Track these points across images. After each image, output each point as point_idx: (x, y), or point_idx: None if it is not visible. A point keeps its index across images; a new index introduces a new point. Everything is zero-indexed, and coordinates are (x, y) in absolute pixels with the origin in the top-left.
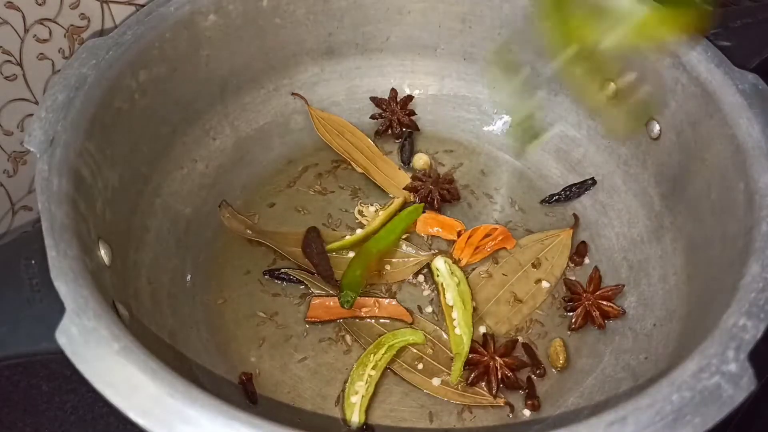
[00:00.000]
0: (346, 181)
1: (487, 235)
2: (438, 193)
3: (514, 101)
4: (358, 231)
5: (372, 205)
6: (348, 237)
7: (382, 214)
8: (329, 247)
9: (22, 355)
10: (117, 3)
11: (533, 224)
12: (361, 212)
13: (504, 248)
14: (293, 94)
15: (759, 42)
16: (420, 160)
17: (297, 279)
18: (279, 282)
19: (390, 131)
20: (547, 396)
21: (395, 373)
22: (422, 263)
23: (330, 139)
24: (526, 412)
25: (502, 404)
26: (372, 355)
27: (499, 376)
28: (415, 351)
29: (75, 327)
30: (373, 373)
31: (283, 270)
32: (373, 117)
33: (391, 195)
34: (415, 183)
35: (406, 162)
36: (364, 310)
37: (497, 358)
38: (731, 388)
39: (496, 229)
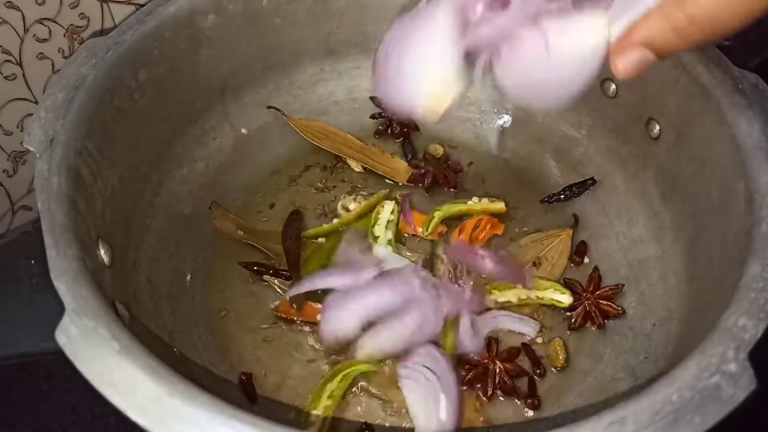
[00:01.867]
0: (347, 177)
1: (475, 227)
2: (434, 174)
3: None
4: (335, 221)
5: (355, 199)
6: (324, 225)
7: (360, 206)
8: (306, 233)
9: (22, 355)
10: (117, 2)
11: (533, 224)
12: (345, 206)
13: (495, 234)
14: (269, 107)
15: (759, 42)
16: (434, 149)
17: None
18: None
19: (390, 131)
20: (547, 396)
21: (376, 396)
22: None
23: (320, 142)
24: (528, 412)
25: (480, 424)
26: (327, 383)
27: (497, 381)
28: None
29: (75, 327)
30: (329, 403)
31: (257, 268)
32: (373, 117)
33: (397, 181)
34: (416, 169)
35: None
36: None
37: (498, 362)
38: (731, 388)
39: (482, 219)
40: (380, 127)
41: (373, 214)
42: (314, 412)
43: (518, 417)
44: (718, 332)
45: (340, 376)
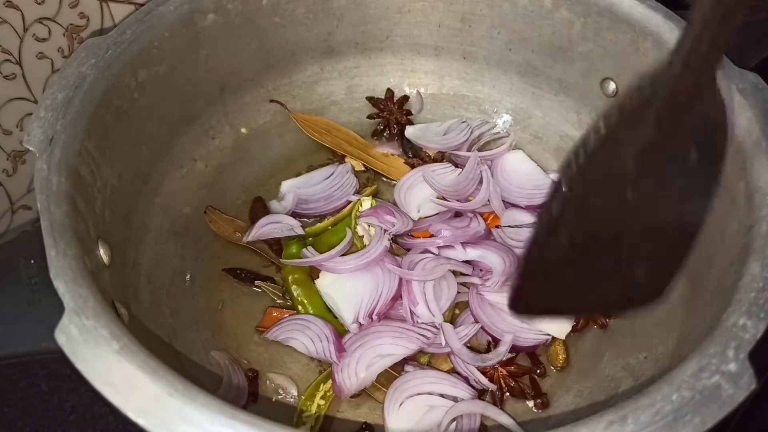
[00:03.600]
0: None
1: None
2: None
3: None
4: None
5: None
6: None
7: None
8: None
9: (21, 355)
10: (116, 2)
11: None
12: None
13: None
14: (271, 101)
15: (759, 42)
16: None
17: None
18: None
19: (388, 131)
20: (547, 395)
21: (373, 398)
22: None
23: (321, 138)
24: (534, 409)
25: None
26: (321, 384)
27: (503, 386)
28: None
29: (74, 326)
30: (322, 402)
31: (243, 273)
32: (370, 117)
33: (394, 180)
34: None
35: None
36: None
37: (500, 368)
38: (731, 387)
39: (482, 213)
40: (378, 127)
41: (353, 212)
42: (307, 413)
43: (518, 418)
44: (718, 332)
45: (319, 395)
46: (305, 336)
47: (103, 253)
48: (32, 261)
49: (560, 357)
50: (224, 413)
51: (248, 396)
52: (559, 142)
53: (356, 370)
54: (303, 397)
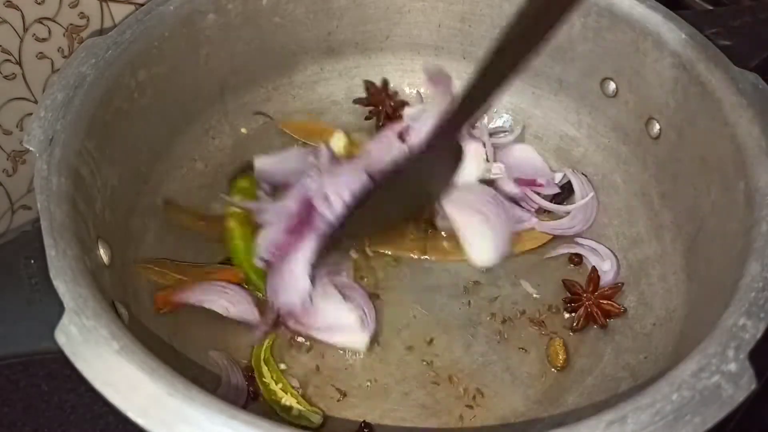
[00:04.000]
0: None
1: None
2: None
3: None
4: None
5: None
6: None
7: None
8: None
9: (21, 355)
10: (116, 2)
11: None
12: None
13: None
14: (256, 113)
15: (759, 42)
16: None
17: None
18: None
19: (383, 122)
20: (546, 396)
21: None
22: None
23: (315, 141)
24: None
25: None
26: (262, 378)
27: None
28: None
29: (74, 326)
30: (280, 386)
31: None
32: (367, 117)
33: None
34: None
35: None
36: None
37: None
38: (731, 387)
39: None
40: (380, 124)
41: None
42: (284, 400)
43: (519, 417)
44: (718, 332)
45: (267, 365)
46: (223, 300)
47: (103, 253)
48: (32, 261)
49: (560, 357)
50: (224, 413)
51: (248, 395)
52: (559, 142)
53: (296, 287)
54: (263, 394)
